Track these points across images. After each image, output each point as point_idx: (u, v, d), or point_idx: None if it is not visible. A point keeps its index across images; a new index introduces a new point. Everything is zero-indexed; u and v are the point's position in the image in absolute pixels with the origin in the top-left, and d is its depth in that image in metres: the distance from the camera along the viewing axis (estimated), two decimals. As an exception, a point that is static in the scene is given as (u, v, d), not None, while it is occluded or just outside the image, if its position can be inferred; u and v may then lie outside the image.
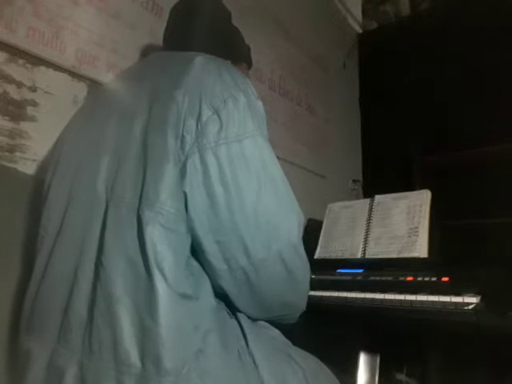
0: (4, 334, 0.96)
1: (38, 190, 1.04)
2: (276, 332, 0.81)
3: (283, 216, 0.70)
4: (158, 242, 0.62)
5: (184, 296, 0.62)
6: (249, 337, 0.70)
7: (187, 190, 0.64)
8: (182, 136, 0.64)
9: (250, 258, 0.66)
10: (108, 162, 0.71)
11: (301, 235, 0.73)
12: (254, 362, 0.68)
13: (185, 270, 0.65)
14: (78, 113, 0.95)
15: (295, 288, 0.76)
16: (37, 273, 0.76)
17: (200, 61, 0.71)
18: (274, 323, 0.81)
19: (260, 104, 0.72)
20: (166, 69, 0.76)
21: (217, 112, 0.65)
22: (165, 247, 0.62)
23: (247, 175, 0.66)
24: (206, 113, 0.65)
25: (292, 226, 0.71)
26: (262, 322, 0.79)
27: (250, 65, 1.05)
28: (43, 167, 1.09)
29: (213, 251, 0.66)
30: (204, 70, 0.69)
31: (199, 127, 0.64)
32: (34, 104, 1.11)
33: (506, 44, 1.95)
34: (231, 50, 0.78)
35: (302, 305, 0.81)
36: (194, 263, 0.68)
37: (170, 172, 0.63)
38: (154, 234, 0.62)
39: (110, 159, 0.71)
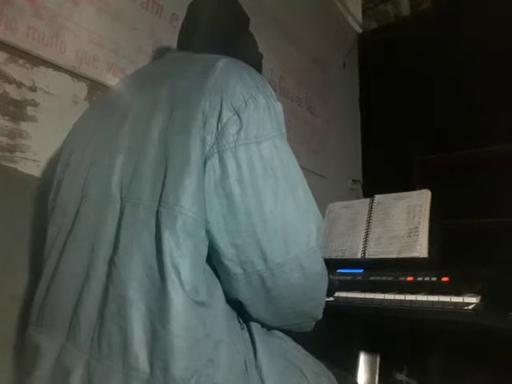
0: (12, 331, 0.97)
1: (39, 189, 1.04)
2: (290, 344, 0.79)
3: (302, 220, 0.68)
4: (176, 247, 0.60)
5: (200, 303, 0.61)
6: (259, 349, 0.68)
7: (205, 191, 0.63)
8: (204, 138, 0.63)
9: (267, 262, 0.64)
10: (123, 161, 0.70)
11: (320, 240, 0.71)
12: (261, 378, 0.66)
13: (201, 276, 0.63)
14: (89, 111, 0.95)
15: (312, 296, 0.74)
16: (49, 268, 0.75)
17: (222, 64, 0.70)
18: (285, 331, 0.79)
19: (279, 106, 0.71)
20: (186, 72, 0.75)
21: (237, 113, 0.64)
22: (182, 253, 0.60)
23: (265, 177, 0.64)
24: (227, 114, 0.64)
25: (311, 231, 0.68)
26: (277, 333, 0.77)
27: (259, 72, 1.04)
28: (49, 164, 1.09)
29: (229, 254, 0.64)
30: (225, 72, 0.69)
31: (219, 128, 0.64)
32: (34, 104, 1.11)
33: (507, 44, 1.95)
34: (237, 55, 0.77)
35: (319, 314, 0.78)
36: (207, 268, 0.66)
37: (191, 176, 0.62)
38: (172, 239, 0.60)
39: (125, 158, 0.70)
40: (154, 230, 0.62)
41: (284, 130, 0.71)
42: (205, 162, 0.63)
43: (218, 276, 0.68)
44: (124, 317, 0.60)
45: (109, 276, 0.64)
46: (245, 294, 0.67)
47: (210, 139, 0.63)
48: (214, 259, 0.66)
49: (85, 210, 0.73)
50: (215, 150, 0.63)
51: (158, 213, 0.63)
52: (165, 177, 0.64)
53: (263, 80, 0.72)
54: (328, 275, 0.76)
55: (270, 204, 0.64)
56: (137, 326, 0.59)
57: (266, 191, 0.64)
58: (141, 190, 0.66)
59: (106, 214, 0.68)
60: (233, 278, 0.65)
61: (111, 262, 0.64)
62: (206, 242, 0.64)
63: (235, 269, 0.65)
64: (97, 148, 0.78)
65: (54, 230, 0.78)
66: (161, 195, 0.63)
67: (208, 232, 0.64)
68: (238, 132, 0.64)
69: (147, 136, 0.69)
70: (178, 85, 0.72)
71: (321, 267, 0.72)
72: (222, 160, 0.63)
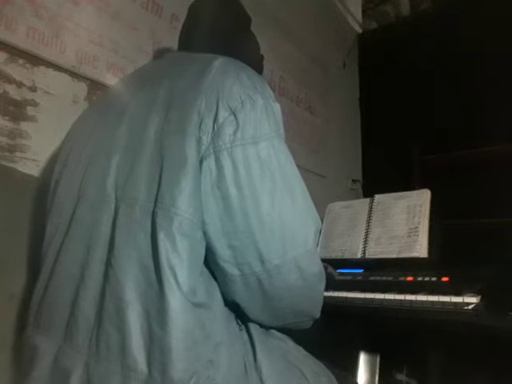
0: (9, 332, 0.97)
1: (39, 189, 1.04)
2: (290, 345, 0.78)
3: (300, 222, 0.67)
4: (172, 249, 0.60)
5: (198, 305, 0.61)
6: (258, 351, 0.68)
7: (201, 192, 0.62)
8: (199, 138, 0.63)
9: (264, 263, 0.64)
10: (118, 161, 0.70)
11: (317, 242, 0.70)
12: (261, 379, 0.66)
13: (199, 277, 0.63)
14: (89, 110, 0.95)
15: (310, 296, 0.74)
16: (46, 269, 0.75)
17: (218, 64, 0.70)
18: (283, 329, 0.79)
19: (277, 106, 0.71)
20: (184, 71, 0.74)
21: (234, 113, 0.64)
22: (178, 254, 0.60)
23: (262, 178, 0.64)
24: (223, 114, 0.64)
25: (309, 233, 0.68)
26: (277, 333, 0.77)
27: (258, 74, 1.03)
28: (48, 164, 1.09)
29: (225, 256, 0.64)
30: (222, 72, 0.68)
31: (215, 128, 0.63)
32: (34, 104, 1.11)
33: (507, 44, 1.95)
34: (238, 55, 0.76)
35: (317, 313, 0.78)
36: (205, 270, 0.66)
37: (187, 178, 0.62)
38: (168, 240, 0.60)
39: (121, 158, 0.70)
40: (149, 230, 0.62)
41: (282, 130, 0.71)
42: (201, 163, 0.63)
43: (216, 278, 0.67)
44: (122, 318, 0.60)
45: (106, 277, 0.64)
46: (242, 296, 0.67)
47: (205, 139, 0.63)
48: (210, 261, 0.66)
49: (81, 211, 0.73)
50: (211, 151, 0.63)
51: (153, 213, 0.62)
52: (160, 177, 0.64)
53: (261, 80, 0.72)
54: (326, 268, 0.76)
55: (268, 205, 0.64)
56: (134, 327, 0.59)
57: (263, 192, 0.63)
58: (136, 191, 0.65)
59: (101, 214, 0.68)
60: (229, 280, 0.65)
61: (108, 263, 0.64)
62: (203, 243, 0.64)
63: (232, 270, 0.64)
64: (94, 148, 0.78)
65: (51, 230, 0.78)
66: (156, 196, 0.63)
67: (205, 233, 0.63)
68: (235, 132, 0.63)
69: (143, 136, 0.68)
70: (175, 84, 0.71)
71: (318, 269, 0.72)
72: (218, 160, 0.62)
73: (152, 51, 1.39)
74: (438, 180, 1.83)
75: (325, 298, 1.07)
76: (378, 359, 1.31)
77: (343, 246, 1.36)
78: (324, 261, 0.74)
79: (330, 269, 1.13)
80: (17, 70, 1.08)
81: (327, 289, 0.84)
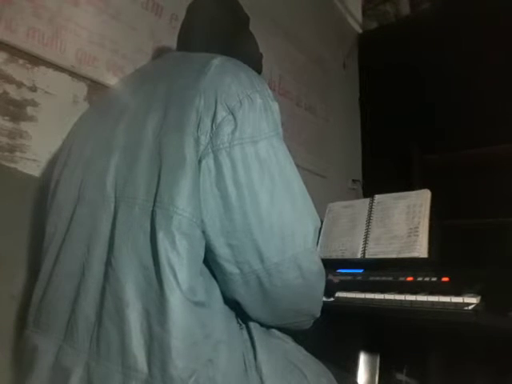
0: (9, 331, 0.97)
1: (40, 189, 1.04)
2: (291, 345, 0.78)
3: (299, 220, 0.68)
4: (171, 248, 0.60)
5: (197, 304, 0.61)
6: (258, 350, 0.68)
7: (200, 191, 0.63)
8: (198, 137, 0.63)
9: (264, 262, 0.64)
10: (117, 161, 0.70)
11: (316, 240, 0.70)
12: (261, 378, 0.66)
13: (199, 276, 0.63)
14: (89, 110, 0.95)
15: (310, 295, 0.74)
16: (46, 269, 0.75)
17: (217, 63, 0.70)
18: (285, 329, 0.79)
19: (276, 105, 0.71)
20: (183, 70, 0.74)
21: (232, 112, 0.64)
22: (178, 253, 0.60)
23: (261, 177, 0.64)
24: (221, 113, 0.64)
25: (308, 231, 0.68)
26: (277, 333, 0.77)
27: (258, 72, 1.03)
28: (49, 164, 1.09)
29: (225, 255, 0.64)
30: (221, 71, 0.69)
31: (214, 128, 0.63)
32: (34, 104, 1.11)
33: (506, 43, 1.95)
34: (237, 54, 0.77)
35: (317, 311, 0.78)
36: (204, 269, 0.66)
37: (186, 177, 0.62)
38: (167, 239, 0.60)
39: (120, 158, 0.70)
40: (149, 230, 0.62)
41: (280, 129, 0.71)
42: (199, 162, 0.63)
43: (215, 277, 0.67)
44: (122, 317, 0.60)
45: (106, 276, 0.64)
46: (242, 295, 0.67)
47: (204, 139, 0.63)
48: (209, 260, 0.66)
49: (80, 211, 0.73)
50: (210, 150, 0.63)
51: (153, 213, 0.62)
52: (159, 177, 0.64)
53: (260, 79, 0.72)
54: (326, 276, 0.76)
55: (267, 204, 0.64)
56: (134, 327, 0.59)
57: (262, 191, 0.64)
58: (135, 190, 0.66)
59: (101, 214, 0.68)
60: (229, 279, 0.65)
61: (108, 263, 0.64)
62: (203, 242, 0.64)
63: (231, 269, 0.64)
64: (94, 148, 0.78)
65: (51, 230, 0.78)
66: (155, 195, 0.63)
67: (204, 232, 0.64)
68: (233, 132, 0.63)
69: (142, 135, 0.68)
70: (174, 83, 0.72)
71: (318, 267, 0.72)
72: (216, 160, 0.63)
73: (152, 51, 1.40)
74: (437, 180, 1.82)
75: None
76: (378, 359, 1.31)
77: (343, 246, 1.35)
78: (324, 261, 0.74)
79: (330, 276, 1.13)
80: (17, 70, 1.08)
81: (327, 295, 0.83)
